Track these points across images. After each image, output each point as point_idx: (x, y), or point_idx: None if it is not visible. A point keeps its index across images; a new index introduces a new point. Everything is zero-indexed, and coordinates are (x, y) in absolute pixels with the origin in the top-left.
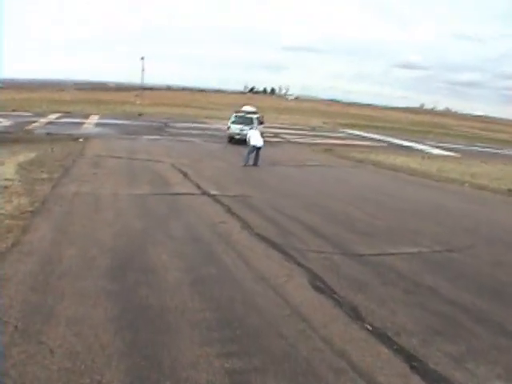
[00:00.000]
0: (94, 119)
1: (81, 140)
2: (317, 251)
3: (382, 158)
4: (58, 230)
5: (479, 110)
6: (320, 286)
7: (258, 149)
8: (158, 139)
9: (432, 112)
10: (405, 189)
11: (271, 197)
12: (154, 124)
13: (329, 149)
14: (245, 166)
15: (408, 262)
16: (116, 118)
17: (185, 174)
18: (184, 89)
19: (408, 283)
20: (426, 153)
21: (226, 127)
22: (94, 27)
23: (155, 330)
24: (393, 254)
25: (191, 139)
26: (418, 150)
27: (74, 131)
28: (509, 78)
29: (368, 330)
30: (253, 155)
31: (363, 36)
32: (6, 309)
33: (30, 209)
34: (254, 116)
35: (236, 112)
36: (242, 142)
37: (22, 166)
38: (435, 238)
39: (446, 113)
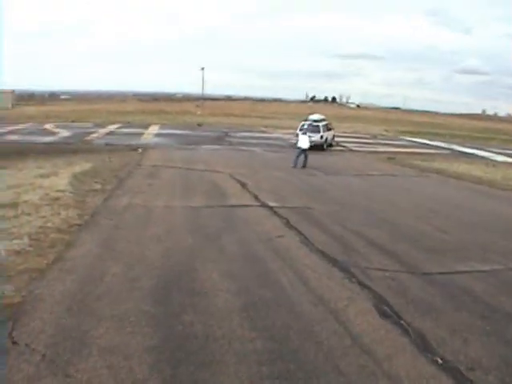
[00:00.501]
0: (154, 129)
1: (139, 150)
2: (382, 269)
3: (445, 165)
4: (104, 245)
5: None
6: (385, 310)
7: (303, 151)
8: (216, 149)
9: (494, 118)
10: (471, 199)
11: (332, 209)
12: (214, 134)
13: (391, 157)
14: (294, 167)
15: (481, 282)
16: (176, 128)
17: (243, 185)
18: (245, 98)
19: (483, 307)
20: (491, 160)
21: (295, 135)
22: (155, 38)
23: (198, 363)
24: (464, 273)
25: (251, 149)
26: (481, 156)
27: (133, 141)
28: None
29: (438, 363)
30: (301, 158)
31: (422, 42)
32: (36, 334)
33: (78, 222)
34: (321, 124)
35: (304, 120)
36: (312, 147)
37: (76, 177)
38: (508, 253)
39: (508, 119)
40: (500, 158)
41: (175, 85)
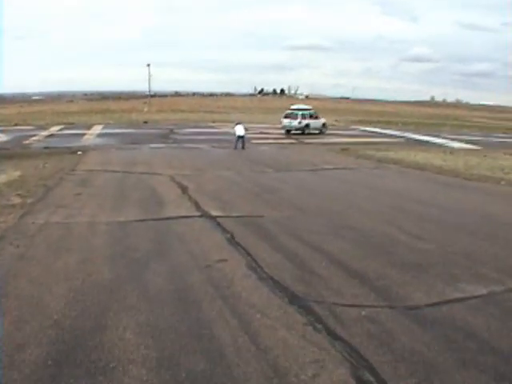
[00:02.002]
0: (97, 129)
1: (79, 153)
2: (355, 305)
3: (402, 155)
4: None
5: (490, 99)
6: (368, 379)
7: (240, 137)
8: (160, 148)
9: (443, 104)
10: (439, 193)
11: (285, 215)
12: (159, 131)
13: (345, 148)
14: (235, 149)
15: (481, 315)
16: (120, 127)
17: (184, 189)
18: (194, 94)
19: (496, 359)
20: (447, 147)
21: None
22: (102, 37)
23: None
24: (458, 301)
25: (197, 146)
26: (436, 144)
27: (74, 143)
28: None
29: None
30: (239, 142)
31: (370, 31)
32: None
33: None
34: (300, 112)
35: (287, 110)
36: (297, 129)
37: None
38: (502, 265)
39: (457, 104)
40: (456, 145)
41: (124, 83)
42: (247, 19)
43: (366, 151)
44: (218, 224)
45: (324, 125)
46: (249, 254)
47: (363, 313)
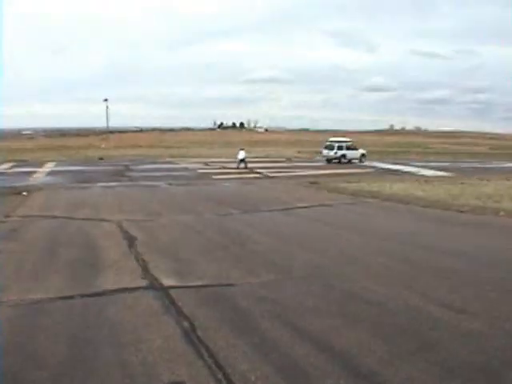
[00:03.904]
0: (49, 167)
1: (24, 193)
2: None
3: (376, 186)
4: None
5: (449, 125)
6: None
7: (241, 160)
8: (113, 186)
9: (402, 132)
10: (440, 232)
11: (266, 280)
12: (114, 168)
13: (313, 181)
14: (237, 168)
15: None
16: (73, 165)
17: (131, 242)
18: (153, 129)
19: None
20: (420, 175)
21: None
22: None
23: None
24: None
25: (153, 183)
26: (408, 172)
27: (21, 183)
28: (475, 92)
29: None
30: (241, 164)
31: (328, 63)
32: None
33: None
34: (336, 144)
35: (326, 141)
36: (333, 159)
37: None
38: None
39: (416, 131)
40: (428, 172)
41: (85, 119)
42: (206, 53)
43: (336, 184)
44: (172, 302)
45: (363, 155)
46: (220, 368)
47: None
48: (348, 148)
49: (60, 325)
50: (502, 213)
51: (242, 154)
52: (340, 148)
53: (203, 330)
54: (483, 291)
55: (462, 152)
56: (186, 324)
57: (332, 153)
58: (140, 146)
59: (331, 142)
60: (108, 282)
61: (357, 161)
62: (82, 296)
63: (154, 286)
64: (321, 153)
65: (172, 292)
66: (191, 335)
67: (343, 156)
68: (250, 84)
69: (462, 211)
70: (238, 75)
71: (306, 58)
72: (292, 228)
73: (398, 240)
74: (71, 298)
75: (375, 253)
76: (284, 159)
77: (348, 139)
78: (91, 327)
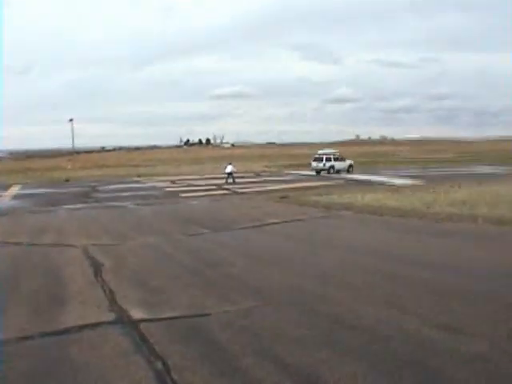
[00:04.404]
0: (14, 190)
1: None
2: None
3: (348, 198)
4: None
5: (414, 133)
6: None
7: (229, 174)
8: (79, 209)
9: (369, 142)
10: (420, 244)
11: (243, 308)
12: (81, 189)
13: (284, 196)
14: (226, 183)
15: None
16: (39, 187)
17: (97, 269)
18: (120, 148)
19: None
20: (390, 185)
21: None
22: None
23: None
24: None
25: (121, 204)
26: (378, 182)
27: None
28: (439, 99)
29: None
30: (229, 178)
31: (292, 76)
32: None
33: None
34: (324, 156)
35: (315, 155)
36: (322, 170)
37: None
38: None
39: (383, 141)
40: (398, 181)
41: (50, 140)
42: (171, 70)
43: (307, 197)
44: (143, 339)
45: (351, 165)
46: None
47: None
48: (336, 159)
49: (14, 371)
50: (480, 220)
51: (229, 168)
52: (328, 160)
53: (179, 372)
54: (479, 308)
55: (431, 159)
56: (159, 365)
57: (321, 164)
58: (107, 166)
59: (320, 154)
60: (72, 316)
61: (344, 172)
62: (43, 335)
63: (123, 319)
64: (310, 165)
65: (142, 326)
66: (165, 378)
67: (332, 167)
68: (216, 100)
69: (438, 220)
70: (204, 92)
71: (271, 72)
72: (266, 246)
73: (377, 255)
74: (29, 339)
75: (356, 270)
76: (252, 174)
77: (335, 151)
78: (51, 373)
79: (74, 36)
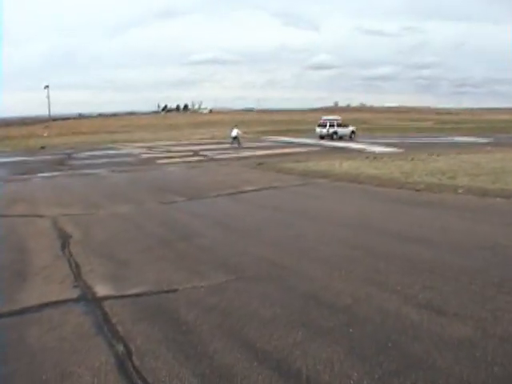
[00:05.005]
0: None
1: None
2: None
3: (326, 165)
4: None
5: (394, 101)
6: None
7: (234, 137)
8: (54, 176)
9: (348, 109)
10: (400, 215)
11: (214, 283)
12: (56, 157)
13: (260, 162)
14: (231, 145)
15: None
16: (14, 155)
17: (65, 241)
18: (97, 115)
19: None
20: (368, 152)
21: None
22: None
23: None
24: None
25: (95, 171)
26: (356, 149)
27: None
28: (420, 68)
29: None
30: (234, 143)
31: (272, 43)
32: None
33: None
34: (328, 122)
35: (319, 120)
36: (326, 136)
37: None
38: None
39: (362, 108)
40: (376, 149)
41: (29, 108)
42: (147, 36)
43: (284, 164)
44: (106, 319)
45: (353, 132)
46: None
47: None
48: (339, 125)
49: None
50: (460, 190)
51: (234, 132)
52: (332, 126)
53: (141, 357)
54: (462, 285)
55: (409, 127)
56: (120, 348)
57: (325, 130)
58: (83, 133)
59: (324, 120)
60: (34, 294)
61: (347, 137)
62: (1, 316)
63: (87, 297)
64: (315, 131)
65: (106, 304)
66: (127, 364)
67: (335, 133)
68: (194, 66)
69: (418, 189)
70: (182, 57)
71: (251, 39)
72: (240, 216)
73: (356, 226)
74: None
75: (333, 242)
76: (229, 140)
77: (339, 117)
78: (2, 361)
79: (47, 2)
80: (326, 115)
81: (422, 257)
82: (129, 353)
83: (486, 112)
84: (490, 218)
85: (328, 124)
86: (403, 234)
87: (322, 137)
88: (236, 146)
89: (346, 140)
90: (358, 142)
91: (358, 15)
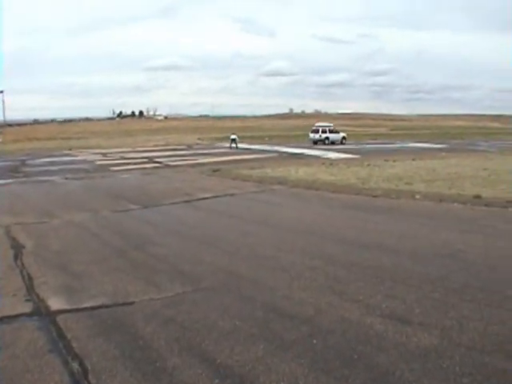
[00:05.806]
0: None
1: None
2: None
3: (281, 172)
4: None
5: (348, 108)
6: None
7: (233, 139)
8: (7, 184)
9: (303, 115)
10: (358, 222)
11: (171, 295)
12: (9, 164)
13: (216, 169)
14: (230, 149)
15: None
16: None
17: (18, 252)
18: (52, 121)
19: None
20: (324, 158)
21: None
22: None
23: None
24: None
25: (50, 178)
26: (312, 156)
27: None
28: (375, 75)
29: None
30: (233, 145)
31: (228, 49)
32: None
33: None
34: (320, 128)
35: (312, 126)
36: (318, 141)
37: None
38: None
39: (316, 114)
40: (332, 155)
41: None
42: (104, 41)
43: (240, 171)
44: (60, 334)
45: (344, 137)
46: None
47: None
48: (331, 132)
49: None
50: (417, 196)
51: (233, 136)
52: (324, 131)
53: (97, 375)
54: (425, 293)
55: (365, 134)
56: (76, 366)
57: (317, 136)
58: (38, 139)
59: (317, 126)
60: None
61: (338, 142)
62: None
63: (40, 311)
64: (308, 136)
65: (60, 319)
66: (82, 383)
67: (327, 138)
68: (150, 72)
69: (375, 195)
70: (137, 63)
71: (206, 45)
72: (197, 224)
73: (314, 233)
74: None
75: (292, 251)
76: (185, 147)
77: (331, 124)
78: None
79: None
80: (320, 122)
81: (383, 264)
82: (84, 371)
83: (439, 118)
84: (448, 224)
85: (321, 130)
86: (363, 242)
87: (315, 142)
88: (234, 147)
89: (337, 144)
90: (313, 148)
91: (314, 22)
